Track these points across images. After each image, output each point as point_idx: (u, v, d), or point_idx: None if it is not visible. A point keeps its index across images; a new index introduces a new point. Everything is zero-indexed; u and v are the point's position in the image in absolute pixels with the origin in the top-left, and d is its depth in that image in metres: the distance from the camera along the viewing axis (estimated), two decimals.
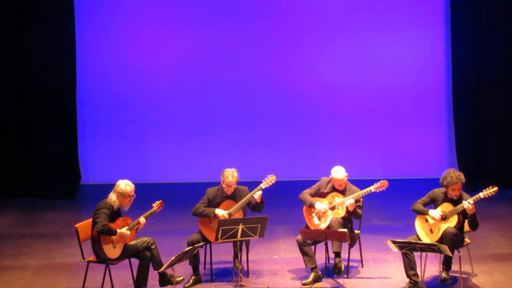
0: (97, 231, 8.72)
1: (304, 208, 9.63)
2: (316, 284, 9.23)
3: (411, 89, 14.47)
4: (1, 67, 13.72)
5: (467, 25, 13.79)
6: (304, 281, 9.29)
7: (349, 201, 9.35)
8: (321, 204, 9.47)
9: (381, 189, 9.47)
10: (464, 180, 8.95)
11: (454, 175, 8.94)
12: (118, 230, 8.78)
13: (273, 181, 9.60)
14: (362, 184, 9.55)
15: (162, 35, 14.35)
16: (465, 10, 13.76)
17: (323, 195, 9.59)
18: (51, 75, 13.79)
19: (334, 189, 9.57)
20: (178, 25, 14.35)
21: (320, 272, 9.31)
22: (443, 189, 9.08)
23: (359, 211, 9.49)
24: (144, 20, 14.32)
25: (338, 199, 9.48)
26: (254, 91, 14.50)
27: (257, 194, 9.41)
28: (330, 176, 9.55)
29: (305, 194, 9.60)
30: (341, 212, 9.44)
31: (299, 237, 9.32)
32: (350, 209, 9.36)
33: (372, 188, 9.44)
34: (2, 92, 13.76)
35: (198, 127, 14.54)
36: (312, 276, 9.27)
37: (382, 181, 9.47)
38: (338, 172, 9.50)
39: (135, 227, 8.99)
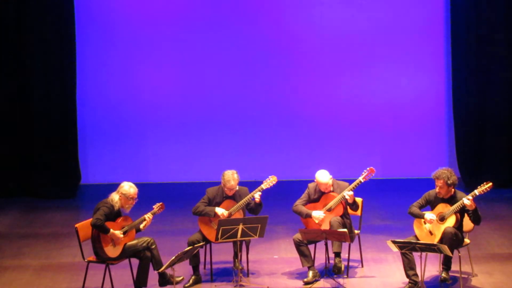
0: (91, 224, 8.73)
1: (302, 218, 9.63)
2: (316, 284, 9.24)
3: (411, 89, 14.47)
4: (1, 67, 13.73)
5: (467, 25, 13.79)
6: (305, 280, 9.30)
7: (348, 192, 9.33)
8: (318, 212, 9.47)
9: (369, 177, 9.47)
10: (449, 182, 8.88)
11: (442, 171, 8.95)
12: (111, 231, 8.76)
13: (274, 182, 9.61)
14: (362, 184, 9.52)
15: (162, 36, 14.35)
16: (466, 14, 13.76)
17: (315, 201, 9.59)
18: (51, 74, 13.79)
19: (322, 193, 9.56)
20: (179, 25, 14.35)
21: (316, 270, 9.32)
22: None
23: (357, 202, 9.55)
24: (144, 20, 14.32)
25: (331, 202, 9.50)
26: (254, 91, 14.50)
27: (257, 195, 9.42)
28: (315, 180, 9.54)
29: (299, 206, 9.57)
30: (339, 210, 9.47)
31: (296, 236, 9.33)
32: (350, 200, 9.36)
33: (361, 179, 9.43)
34: (2, 92, 13.76)
35: (198, 127, 14.54)
36: (311, 274, 9.30)
37: (368, 169, 9.47)
38: (323, 176, 9.49)
39: (140, 225, 9.00)
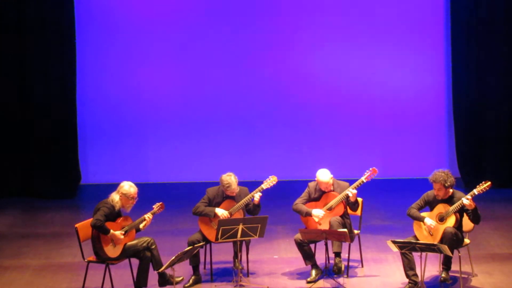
0: (91, 224, 8.73)
1: (302, 217, 9.62)
2: (316, 284, 9.24)
3: (411, 89, 14.47)
4: (1, 67, 13.73)
5: (467, 27, 13.79)
6: (308, 279, 9.31)
7: (352, 190, 9.33)
8: (318, 210, 9.46)
9: (371, 178, 9.47)
10: (446, 184, 8.85)
11: (438, 174, 8.93)
12: (111, 231, 8.76)
13: (274, 182, 9.61)
14: (363, 184, 9.52)
15: (162, 36, 14.35)
16: (466, 13, 13.76)
17: (315, 200, 9.59)
18: (51, 75, 13.79)
19: (323, 192, 9.56)
20: (178, 26, 14.35)
21: (320, 268, 9.32)
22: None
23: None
24: (144, 20, 14.31)
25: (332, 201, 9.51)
26: (254, 91, 14.50)
27: (257, 195, 9.42)
28: (316, 179, 9.54)
29: (299, 205, 9.56)
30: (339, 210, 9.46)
31: (297, 236, 9.33)
32: (352, 199, 9.36)
33: (363, 179, 9.44)
34: (2, 92, 13.77)
35: (198, 127, 14.54)
36: (314, 272, 9.31)
37: (371, 169, 9.48)
38: (324, 175, 9.48)
39: (140, 225, 9.01)
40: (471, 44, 13.82)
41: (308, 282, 9.30)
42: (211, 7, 14.35)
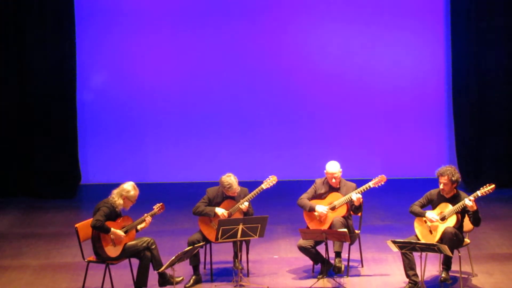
0: (91, 225, 8.73)
1: (305, 213, 9.62)
2: (316, 284, 9.23)
3: (411, 88, 14.48)
4: (1, 67, 13.74)
5: (467, 26, 13.78)
6: (319, 276, 9.29)
7: (357, 195, 9.33)
8: (322, 207, 9.46)
9: (379, 184, 9.47)
10: (453, 178, 8.89)
11: (446, 168, 8.96)
12: (112, 229, 8.76)
13: (274, 182, 9.61)
14: (362, 184, 9.53)
15: (161, 37, 14.35)
16: (466, 11, 13.75)
17: (320, 197, 9.58)
18: (51, 75, 13.80)
19: (330, 188, 9.55)
20: (178, 26, 14.36)
21: (329, 262, 9.29)
22: (438, 189, 9.09)
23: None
24: (144, 21, 14.32)
25: (337, 201, 9.48)
26: (254, 91, 14.51)
27: (244, 204, 9.39)
28: (325, 171, 9.54)
29: (303, 200, 9.57)
30: (342, 211, 9.45)
31: (299, 242, 9.32)
32: (357, 203, 9.36)
33: (370, 184, 9.44)
34: (2, 92, 13.77)
35: (198, 127, 14.54)
36: (324, 269, 9.27)
37: (380, 176, 9.47)
38: (332, 166, 9.49)
39: (138, 226, 9.01)
40: (471, 44, 13.79)
41: (319, 278, 9.28)
42: (211, 6, 14.35)
